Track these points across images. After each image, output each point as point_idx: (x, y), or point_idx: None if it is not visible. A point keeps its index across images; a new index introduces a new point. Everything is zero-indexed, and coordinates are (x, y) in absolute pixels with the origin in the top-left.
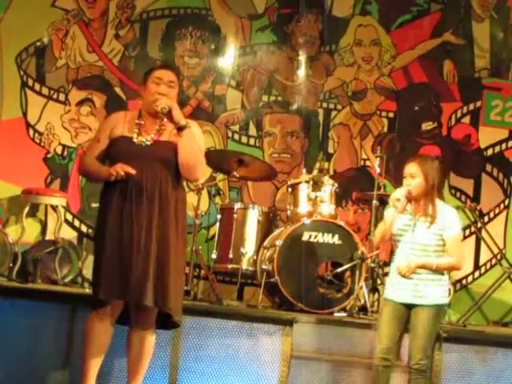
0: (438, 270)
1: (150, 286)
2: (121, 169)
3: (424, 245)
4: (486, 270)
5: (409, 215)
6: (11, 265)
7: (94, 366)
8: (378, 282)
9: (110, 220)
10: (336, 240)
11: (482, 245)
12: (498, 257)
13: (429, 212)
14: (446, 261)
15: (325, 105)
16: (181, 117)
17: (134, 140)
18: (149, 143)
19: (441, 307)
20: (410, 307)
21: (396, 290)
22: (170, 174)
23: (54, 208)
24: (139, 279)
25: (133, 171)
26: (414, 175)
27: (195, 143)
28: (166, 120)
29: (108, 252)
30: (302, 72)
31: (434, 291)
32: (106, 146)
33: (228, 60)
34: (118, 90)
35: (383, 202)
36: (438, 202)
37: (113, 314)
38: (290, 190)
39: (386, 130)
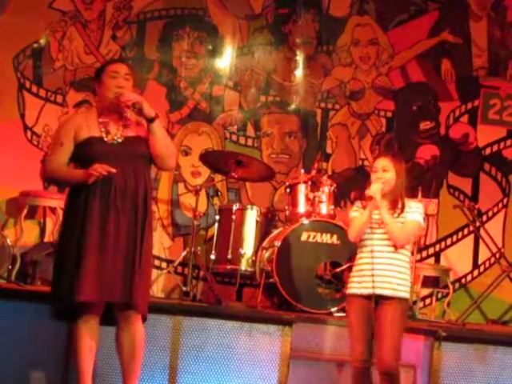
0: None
1: (134, 285)
2: (101, 169)
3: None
4: (485, 269)
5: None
6: (10, 267)
7: (88, 367)
8: None
9: (93, 221)
10: (335, 240)
11: (481, 244)
12: (497, 256)
13: (398, 206)
14: (398, 227)
15: (323, 105)
16: (150, 109)
17: (105, 139)
18: (120, 140)
19: (407, 302)
20: (374, 301)
21: (365, 283)
22: (146, 168)
23: (53, 210)
24: (127, 279)
25: (113, 170)
26: (387, 169)
27: (165, 132)
28: (128, 114)
29: (90, 254)
30: (299, 72)
31: (404, 284)
32: (71, 150)
33: (225, 61)
34: None
35: None
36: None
37: (97, 313)
38: (288, 190)
39: (384, 129)
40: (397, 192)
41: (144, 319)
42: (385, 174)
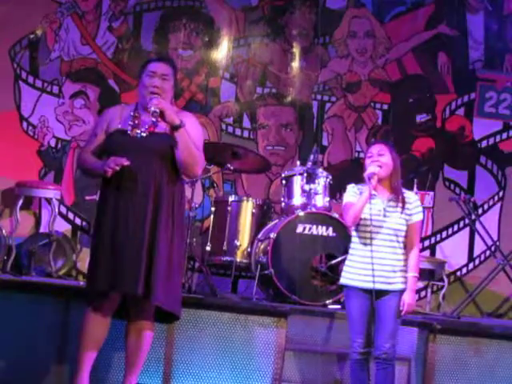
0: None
1: (142, 276)
2: (114, 163)
3: (396, 230)
4: (480, 262)
5: (378, 200)
6: (5, 258)
7: (89, 358)
8: None
9: (107, 213)
10: (330, 232)
11: (476, 237)
12: (492, 249)
13: (398, 196)
14: (414, 260)
15: (319, 97)
16: (174, 117)
17: (129, 132)
18: (144, 135)
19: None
20: (371, 292)
21: (363, 276)
22: (165, 165)
23: (48, 201)
24: (132, 270)
25: (126, 162)
26: (382, 153)
27: (190, 142)
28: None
29: (103, 245)
30: (295, 64)
31: (401, 277)
32: (103, 140)
33: (222, 52)
34: (111, 82)
35: None
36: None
37: (109, 307)
38: (283, 182)
39: (380, 122)
40: (395, 179)
41: (176, 318)
42: (380, 157)
